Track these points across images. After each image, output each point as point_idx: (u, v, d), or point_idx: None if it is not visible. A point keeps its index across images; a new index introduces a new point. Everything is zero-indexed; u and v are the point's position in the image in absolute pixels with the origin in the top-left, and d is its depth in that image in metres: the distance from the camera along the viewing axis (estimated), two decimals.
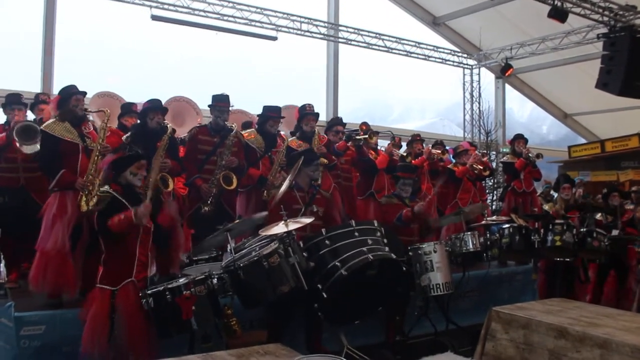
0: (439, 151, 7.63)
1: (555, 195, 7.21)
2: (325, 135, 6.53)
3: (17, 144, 5.19)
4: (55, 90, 7.06)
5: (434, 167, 7.67)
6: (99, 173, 4.71)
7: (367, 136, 6.74)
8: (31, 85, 9.52)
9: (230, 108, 5.96)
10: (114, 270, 3.84)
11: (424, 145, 7.85)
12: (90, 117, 5.08)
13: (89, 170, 4.69)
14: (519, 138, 8.13)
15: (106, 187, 3.89)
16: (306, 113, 6.22)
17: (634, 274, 6.99)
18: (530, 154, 7.79)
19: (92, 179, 4.67)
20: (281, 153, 5.96)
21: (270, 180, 5.78)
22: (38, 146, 5.09)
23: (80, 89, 4.92)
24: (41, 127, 4.87)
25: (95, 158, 4.74)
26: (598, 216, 6.78)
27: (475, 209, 6.54)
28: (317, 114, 6.38)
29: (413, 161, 7.16)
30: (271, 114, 6.04)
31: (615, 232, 6.69)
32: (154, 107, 5.18)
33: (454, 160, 8.05)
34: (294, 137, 6.26)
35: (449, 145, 9.94)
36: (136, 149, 4.58)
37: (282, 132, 6.38)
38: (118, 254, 3.87)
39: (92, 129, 5.06)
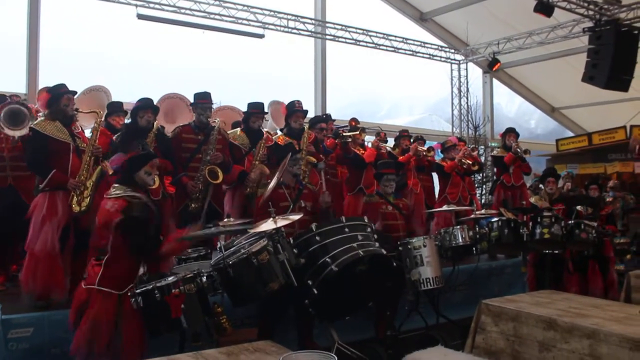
0: (424, 148, 7.67)
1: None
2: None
3: (3, 127, 5.15)
4: None
5: (420, 163, 7.72)
6: (91, 174, 4.70)
7: (357, 132, 6.74)
8: (16, 85, 9.43)
9: (216, 104, 5.95)
10: (118, 274, 3.76)
11: (411, 141, 7.90)
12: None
13: (82, 170, 4.68)
14: (510, 132, 8.15)
15: (129, 191, 3.81)
16: (295, 110, 6.20)
17: (613, 263, 7.09)
18: (518, 149, 7.81)
19: (84, 179, 4.66)
20: (260, 147, 5.95)
21: (251, 175, 5.77)
22: (25, 131, 5.06)
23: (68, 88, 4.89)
24: (31, 125, 4.83)
25: (88, 159, 4.73)
26: (578, 207, 6.83)
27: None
28: (306, 111, 6.36)
29: (400, 158, 7.18)
30: (253, 110, 6.04)
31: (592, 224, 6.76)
32: (145, 105, 5.18)
33: (440, 156, 8.10)
34: (281, 134, 6.24)
35: (437, 140, 9.98)
36: (148, 148, 4.53)
37: (265, 130, 6.35)
38: (125, 257, 3.77)
39: (80, 129, 5.03)
